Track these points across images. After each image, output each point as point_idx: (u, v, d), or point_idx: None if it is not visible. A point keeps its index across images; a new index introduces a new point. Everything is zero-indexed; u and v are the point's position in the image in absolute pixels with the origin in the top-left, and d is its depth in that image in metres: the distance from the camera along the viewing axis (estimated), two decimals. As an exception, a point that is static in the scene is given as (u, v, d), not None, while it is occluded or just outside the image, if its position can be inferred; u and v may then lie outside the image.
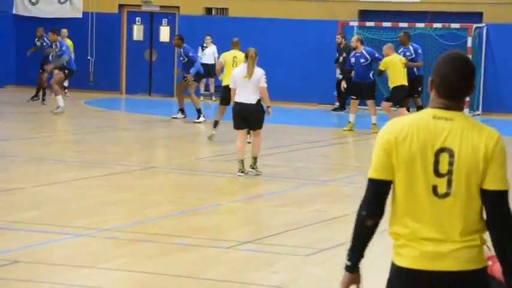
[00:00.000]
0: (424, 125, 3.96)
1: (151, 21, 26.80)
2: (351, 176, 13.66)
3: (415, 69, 19.68)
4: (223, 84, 16.67)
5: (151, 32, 26.75)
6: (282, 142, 17.69)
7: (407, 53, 19.75)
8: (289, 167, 14.58)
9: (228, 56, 16.99)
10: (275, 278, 7.89)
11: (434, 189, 3.92)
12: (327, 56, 24.41)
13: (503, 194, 3.95)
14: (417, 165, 3.93)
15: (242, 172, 12.92)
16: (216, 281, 7.77)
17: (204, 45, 24.91)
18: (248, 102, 12.78)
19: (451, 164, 3.91)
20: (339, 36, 23.32)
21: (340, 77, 21.92)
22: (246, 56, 12.96)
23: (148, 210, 10.69)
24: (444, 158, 3.92)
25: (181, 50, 20.00)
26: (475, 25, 23.35)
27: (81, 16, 26.72)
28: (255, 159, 13.02)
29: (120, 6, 27.00)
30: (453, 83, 3.97)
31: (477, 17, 23.88)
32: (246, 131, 13.20)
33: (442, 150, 3.92)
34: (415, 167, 3.94)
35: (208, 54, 24.76)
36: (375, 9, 24.81)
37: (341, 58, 22.96)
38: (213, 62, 24.67)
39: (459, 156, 3.91)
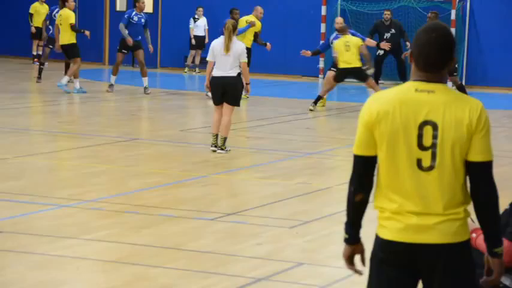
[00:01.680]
0: (406, 98, 3.95)
1: (135, -8, 26.59)
2: (336, 148, 13.67)
3: None
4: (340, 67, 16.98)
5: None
6: (267, 114, 17.66)
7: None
8: (274, 139, 14.56)
9: (339, 43, 17.25)
10: (259, 249, 7.89)
11: (419, 162, 3.93)
12: (310, 27, 24.35)
13: (488, 165, 3.98)
14: (400, 139, 3.94)
15: (215, 147, 12.69)
16: (200, 252, 7.77)
17: (196, 16, 24.80)
18: (227, 75, 12.44)
19: (435, 137, 3.92)
20: (388, 13, 22.50)
21: (382, 52, 21.35)
22: (224, 28, 12.55)
23: (133, 181, 10.66)
24: (428, 131, 3.92)
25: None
26: (459, -2, 23.34)
27: (64, -15, 26.45)
28: (223, 140, 12.64)
29: (105, -25, 26.80)
30: (430, 54, 3.95)
31: (461, -11, 23.85)
32: (222, 106, 12.69)
33: (425, 123, 3.92)
34: (398, 141, 3.94)
35: (199, 26, 24.68)
36: (359, -19, 24.73)
37: (388, 35, 22.13)
38: (203, 34, 24.63)
39: (443, 128, 3.92)
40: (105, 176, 10.97)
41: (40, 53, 24.66)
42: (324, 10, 24.38)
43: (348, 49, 17.29)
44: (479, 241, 4.69)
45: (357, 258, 4.12)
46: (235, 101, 12.66)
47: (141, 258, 7.53)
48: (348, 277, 6.93)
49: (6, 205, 9.26)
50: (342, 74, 17.53)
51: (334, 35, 18.37)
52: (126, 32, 19.83)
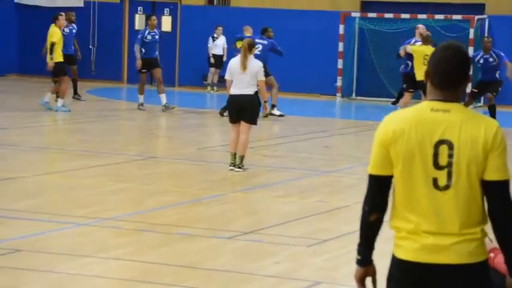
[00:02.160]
0: (422, 118, 3.94)
1: (153, 11, 26.74)
2: (353, 166, 13.64)
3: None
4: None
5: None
6: (285, 132, 17.67)
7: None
8: (291, 158, 14.56)
9: (418, 50, 17.31)
10: (276, 268, 7.87)
11: (435, 181, 3.91)
12: (328, 46, 24.38)
13: (505, 184, 3.94)
14: (416, 158, 3.92)
15: (234, 166, 12.68)
16: (217, 271, 7.76)
17: (215, 35, 24.90)
18: (244, 93, 12.46)
19: (450, 156, 3.89)
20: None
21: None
22: (242, 47, 12.65)
23: (150, 200, 10.67)
24: (443, 150, 3.90)
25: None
26: (477, 17, 23.31)
27: (83, 5, 26.67)
28: (241, 158, 12.61)
29: (122, -5, 26.96)
30: (445, 72, 3.94)
31: (479, 8, 23.84)
32: (239, 125, 12.62)
33: (441, 142, 3.90)
34: (414, 160, 3.92)
35: (218, 45, 24.77)
36: (377, 0, 24.76)
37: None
38: (221, 53, 24.71)
39: (458, 147, 3.89)
40: (122, 194, 10.99)
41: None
42: (341, 29, 24.40)
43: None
44: (498, 260, 4.65)
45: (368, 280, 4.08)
46: (252, 119, 12.64)
47: (157, 276, 7.53)
48: (365, 296, 6.88)
49: (25, 223, 9.28)
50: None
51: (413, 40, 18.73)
52: (139, 54, 20.02)
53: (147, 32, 20.24)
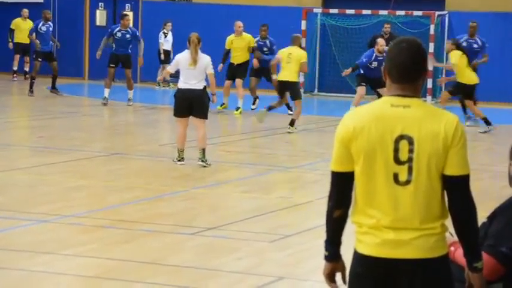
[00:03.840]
0: (382, 113, 3.97)
1: (115, 7, 26.61)
2: (315, 162, 13.70)
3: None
4: (279, 79, 16.95)
5: (114, 18, 26.55)
6: (247, 129, 17.69)
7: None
8: (254, 154, 14.59)
9: (284, 52, 17.06)
10: (239, 264, 7.90)
11: (396, 177, 3.94)
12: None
13: (465, 178, 3.98)
14: (377, 154, 3.94)
15: (181, 160, 12.73)
16: (181, 267, 7.77)
17: (165, 31, 24.80)
18: (194, 88, 12.50)
19: (411, 151, 3.92)
20: (388, 26, 22.50)
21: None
22: (189, 42, 12.67)
23: (112, 196, 10.64)
24: (404, 145, 3.93)
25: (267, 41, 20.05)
26: (437, 12, 23.48)
27: (42, 1, 26.45)
28: (203, 151, 12.69)
29: (84, -10, 26.80)
30: (401, 65, 3.97)
31: (439, 4, 24.02)
32: (187, 120, 12.72)
33: (401, 137, 3.93)
34: (375, 156, 3.94)
35: (168, 41, 24.71)
36: (338, -4, 24.85)
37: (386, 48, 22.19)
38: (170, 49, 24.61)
39: (419, 143, 3.92)
40: (85, 191, 10.95)
41: (26, 69, 24.82)
42: (303, 25, 24.45)
43: (289, 61, 16.90)
44: (458, 255, 4.70)
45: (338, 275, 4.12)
46: (204, 114, 12.70)
47: (121, 273, 7.52)
48: (328, 291, 6.92)
49: (-14, 221, 9.21)
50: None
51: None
52: (102, 46, 20.41)
53: (117, 29, 20.37)
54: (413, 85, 4.02)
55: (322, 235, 4.23)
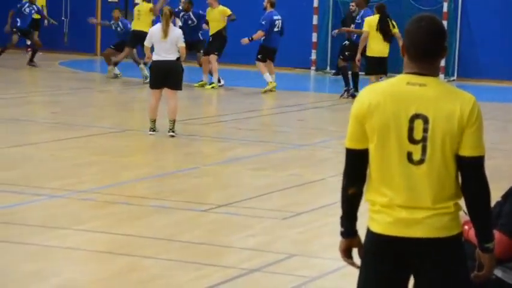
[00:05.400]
0: (398, 91, 3.94)
1: (127, -17, 26.53)
2: (327, 140, 13.68)
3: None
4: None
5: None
6: (258, 106, 17.67)
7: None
8: (265, 131, 14.57)
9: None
10: (252, 240, 7.91)
11: (409, 155, 3.92)
12: (302, 19, 24.32)
13: (479, 159, 3.95)
14: (391, 132, 3.92)
15: (153, 131, 13.05)
16: (193, 243, 7.78)
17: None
18: (167, 59, 12.87)
19: (425, 130, 3.90)
20: (353, 4, 22.51)
21: (347, 43, 21.41)
22: (161, 15, 13.13)
23: (125, 172, 10.66)
24: (418, 124, 3.90)
25: (191, 14, 19.99)
26: (450, -11, 23.34)
27: (55, -25, 26.43)
28: (172, 122, 13.00)
29: (95, -34, 26.75)
30: (421, 43, 3.94)
31: (453, -19, 23.87)
32: (161, 92, 13.09)
33: (416, 116, 3.90)
34: (388, 134, 3.92)
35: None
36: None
37: (353, 26, 22.25)
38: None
39: (434, 122, 3.90)
40: (96, 167, 10.96)
41: (28, 42, 24.96)
42: (316, 2, 24.35)
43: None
44: (472, 234, 4.69)
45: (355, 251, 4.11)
46: (177, 85, 13.09)
47: (133, 249, 7.54)
48: (339, 269, 6.94)
49: (-2, 195, 9.24)
50: None
51: None
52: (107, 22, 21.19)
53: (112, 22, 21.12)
54: (431, 63, 3.98)
55: (334, 213, 4.23)
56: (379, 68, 16.96)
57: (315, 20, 24.43)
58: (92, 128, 13.78)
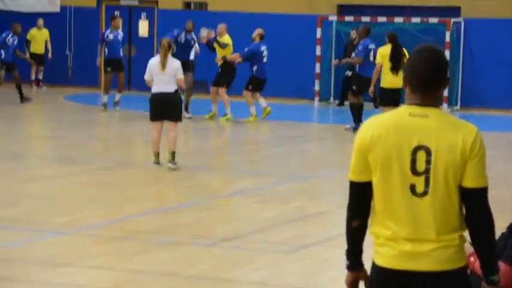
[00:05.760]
0: (400, 123, 3.93)
1: (130, 16, 26.69)
2: (331, 171, 13.66)
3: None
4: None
5: (130, 27, 26.64)
6: (262, 138, 17.67)
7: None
8: (269, 163, 14.56)
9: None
10: (257, 274, 7.87)
11: (413, 188, 3.90)
12: (306, 50, 24.42)
13: (483, 190, 3.93)
14: (394, 164, 3.91)
15: (157, 164, 13.05)
16: (198, 278, 7.75)
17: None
18: (166, 91, 12.91)
19: (428, 162, 3.88)
20: (353, 32, 22.71)
21: (350, 73, 21.66)
22: (160, 47, 13.16)
23: (128, 207, 10.63)
24: (421, 156, 3.89)
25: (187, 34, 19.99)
26: (453, 20, 23.43)
27: (59, 10, 26.57)
28: (172, 154, 12.99)
29: (99, 0, 26.89)
30: (423, 74, 3.94)
31: (455, 11, 23.96)
32: (162, 124, 13.11)
33: (418, 148, 3.89)
34: (391, 166, 3.91)
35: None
36: (353, 3, 24.83)
37: (353, 55, 22.46)
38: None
39: (436, 154, 3.88)
40: (101, 202, 10.94)
41: (40, 77, 25.09)
42: (319, 32, 24.45)
43: None
44: (477, 265, 4.67)
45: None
46: (177, 116, 13.12)
47: (138, 285, 7.50)
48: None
49: (2, 233, 9.21)
50: None
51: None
52: (102, 53, 20.75)
53: (109, 31, 20.57)
54: (433, 94, 3.98)
55: (340, 245, 4.21)
56: (393, 99, 16.81)
57: (318, 50, 24.51)
58: (96, 162, 13.77)
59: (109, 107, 20.69)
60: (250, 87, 19.21)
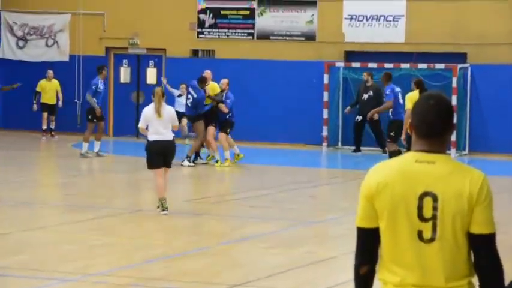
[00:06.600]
0: (407, 169, 3.93)
1: (138, 64, 26.87)
2: (339, 216, 13.64)
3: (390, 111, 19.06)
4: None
5: (138, 75, 26.80)
6: (270, 183, 17.67)
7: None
8: (277, 208, 14.54)
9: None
10: (265, 321, 7.83)
11: (420, 234, 3.89)
12: (313, 96, 24.51)
13: (491, 236, 3.91)
14: (401, 210, 3.90)
15: (164, 210, 13.10)
16: (206, 325, 7.71)
17: (180, 93, 23.36)
18: (166, 139, 13.09)
19: (435, 208, 3.87)
20: (365, 74, 23.13)
21: (360, 118, 22.03)
22: (153, 95, 13.38)
23: (137, 254, 10.62)
24: (428, 202, 3.87)
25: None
26: (459, 65, 23.52)
27: (68, 59, 26.76)
28: (164, 200, 13.17)
29: (107, 49, 27.07)
30: (428, 121, 3.94)
31: (461, 57, 24.05)
32: (163, 170, 13.21)
33: (425, 194, 3.88)
34: (398, 212, 3.90)
35: (181, 104, 22.32)
36: (360, 50, 24.97)
37: (366, 96, 22.89)
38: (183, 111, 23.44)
39: (443, 200, 3.87)
40: (108, 249, 10.94)
41: (52, 126, 25.29)
42: (326, 78, 24.56)
43: None
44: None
45: None
46: (171, 163, 13.41)
47: (145, 332, 7.47)
48: None
49: (10, 281, 9.20)
50: None
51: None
52: (94, 103, 21.03)
53: (100, 82, 20.85)
54: (439, 141, 3.99)
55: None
56: None
57: (325, 96, 24.61)
58: (104, 209, 13.78)
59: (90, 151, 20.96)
60: (228, 130, 19.57)
